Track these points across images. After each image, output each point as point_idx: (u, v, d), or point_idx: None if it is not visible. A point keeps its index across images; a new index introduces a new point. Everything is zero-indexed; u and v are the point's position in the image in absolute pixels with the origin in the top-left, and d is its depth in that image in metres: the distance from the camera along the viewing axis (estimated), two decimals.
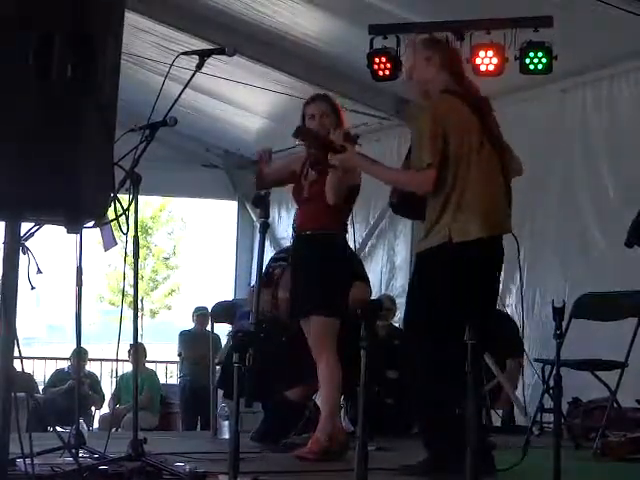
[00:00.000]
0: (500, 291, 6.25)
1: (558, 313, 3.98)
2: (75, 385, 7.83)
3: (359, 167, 5.41)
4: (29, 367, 13.05)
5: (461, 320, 4.00)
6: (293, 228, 6.22)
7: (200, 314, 11.72)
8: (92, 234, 4.46)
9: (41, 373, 13.62)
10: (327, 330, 5.78)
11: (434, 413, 4.94)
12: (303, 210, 6.05)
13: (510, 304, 9.00)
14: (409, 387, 5.25)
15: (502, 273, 5.24)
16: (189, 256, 29.11)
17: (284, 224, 11.51)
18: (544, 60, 7.63)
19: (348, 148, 5.24)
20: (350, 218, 6.00)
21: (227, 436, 7.80)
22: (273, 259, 7.55)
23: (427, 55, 5.13)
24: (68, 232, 3.14)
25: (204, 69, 4.83)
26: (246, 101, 11.09)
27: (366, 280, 7.35)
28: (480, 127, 4.99)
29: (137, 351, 6.83)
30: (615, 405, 6.75)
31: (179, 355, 12.29)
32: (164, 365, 15.11)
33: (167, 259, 25.79)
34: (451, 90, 5.04)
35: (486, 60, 7.69)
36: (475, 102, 5.06)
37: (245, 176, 12.96)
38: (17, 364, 3.22)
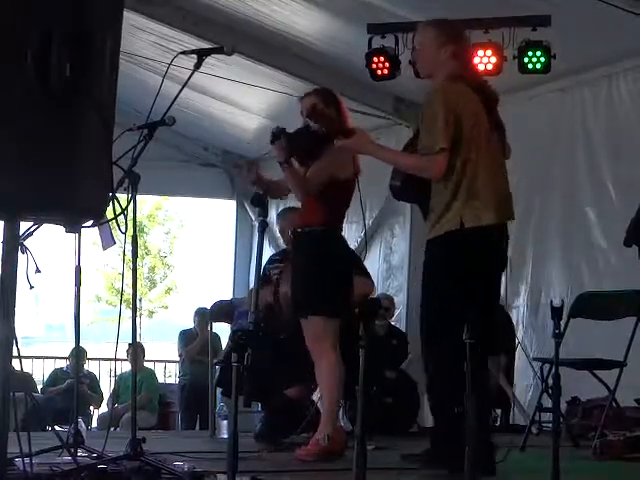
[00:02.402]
0: (502, 291, 6.25)
1: (556, 313, 3.98)
2: (74, 384, 7.81)
3: (367, 151, 5.35)
4: (28, 366, 13.04)
5: (475, 304, 4.00)
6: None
7: (201, 314, 11.70)
8: (90, 234, 4.46)
9: (40, 372, 13.62)
10: (325, 330, 5.73)
11: (443, 410, 4.93)
12: (299, 209, 6.04)
13: (517, 306, 9.00)
14: (430, 381, 5.21)
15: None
16: (187, 255, 29.12)
17: None
18: (542, 59, 7.63)
19: (356, 132, 5.20)
20: (353, 214, 5.98)
21: (226, 435, 7.81)
22: (270, 260, 7.56)
23: (440, 42, 5.11)
24: (67, 231, 3.14)
25: (203, 68, 4.83)
26: (245, 100, 11.08)
27: (366, 274, 7.35)
28: (487, 113, 5.00)
29: (135, 350, 6.83)
30: (614, 404, 6.76)
31: (180, 356, 12.27)
32: (163, 364, 15.10)
33: (164, 257, 25.80)
34: (458, 76, 5.02)
35: (484, 59, 7.69)
36: (481, 89, 5.06)
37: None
38: (16, 363, 3.22)
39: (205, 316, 10.89)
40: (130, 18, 8.62)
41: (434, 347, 4.95)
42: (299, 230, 5.93)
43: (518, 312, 8.99)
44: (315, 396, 6.90)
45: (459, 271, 4.85)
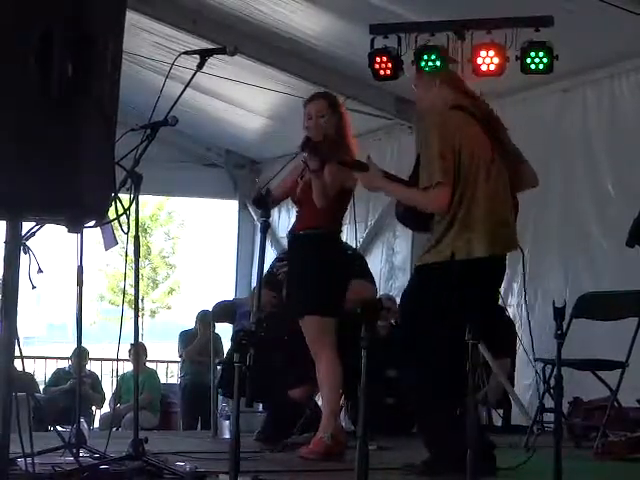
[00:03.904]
0: (502, 290, 6.27)
1: (559, 313, 3.97)
2: (76, 385, 7.82)
3: (381, 188, 5.28)
4: (30, 366, 13.03)
5: (458, 335, 4.01)
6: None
7: (202, 316, 11.69)
8: (92, 234, 4.46)
9: (42, 372, 13.62)
10: (322, 329, 5.76)
11: (433, 414, 4.94)
12: (298, 211, 6.05)
13: (512, 304, 8.99)
14: (408, 389, 5.23)
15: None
16: (190, 256, 29.14)
17: (285, 224, 11.51)
18: (545, 60, 7.63)
19: (370, 167, 5.16)
20: (351, 218, 5.98)
21: (227, 435, 7.81)
22: (277, 259, 7.57)
23: (427, 80, 5.22)
24: (69, 232, 3.13)
25: (205, 68, 4.84)
26: (247, 100, 11.09)
27: (369, 278, 7.35)
28: (491, 143, 4.99)
29: (137, 351, 6.84)
30: (616, 405, 6.75)
31: (180, 356, 12.28)
32: (165, 365, 15.10)
33: (166, 258, 25.79)
34: (460, 106, 5.03)
35: (487, 60, 7.69)
36: (485, 118, 5.05)
37: (246, 175, 12.98)
38: (18, 363, 3.22)
39: (206, 317, 10.90)
40: (132, 18, 8.62)
41: (412, 366, 4.99)
42: (297, 233, 5.95)
43: (513, 311, 8.97)
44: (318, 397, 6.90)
45: (445, 302, 4.84)
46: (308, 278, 5.79)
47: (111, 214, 3.35)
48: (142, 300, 22.41)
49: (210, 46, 7.71)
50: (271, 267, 7.38)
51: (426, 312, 4.91)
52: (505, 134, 5.14)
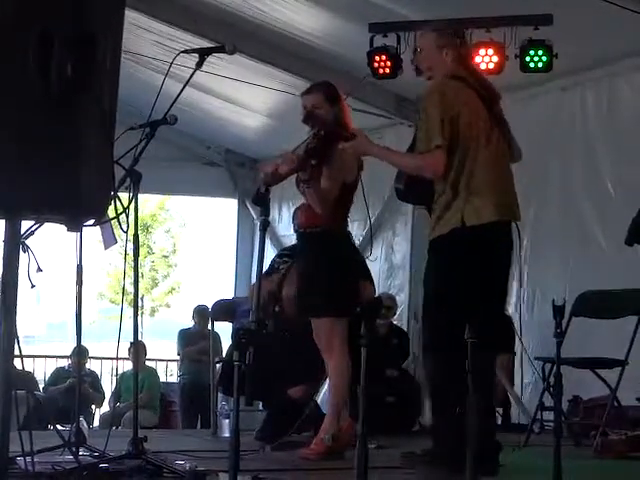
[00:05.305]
0: None
1: (558, 311, 3.98)
2: (75, 383, 7.81)
3: (370, 153, 5.33)
4: (29, 365, 13.03)
5: (478, 304, 3.99)
6: (294, 225, 6.19)
7: (200, 312, 11.69)
8: (92, 232, 4.46)
9: (41, 371, 13.61)
10: (333, 331, 5.72)
11: (446, 407, 4.94)
12: (303, 207, 6.02)
13: (510, 302, 8.99)
14: (428, 379, 5.23)
15: None
16: (189, 254, 29.16)
17: (285, 222, 11.51)
18: (544, 58, 7.64)
19: (358, 134, 5.20)
20: (353, 215, 5.96)
21: (227, 434, 7.81)
22: (279, 255, 7.56)
23: (441, 44, 5.11)
24: (68, 230, 3.14)
25: (204, 67, 4.83)
26: (246, 99, 11.09)
27: (370, 279, 7.34)
28: (488, 111, 5.00)
29: (137, 349, 6.84)
30: (615, 403, 6.75)
31: (179, 354, 12.28)
32: (164, 363, 15.09)
33: (166, 257, 25.80)
34: (458, 76, 5.03)
35: (486, 58, 7.70)
36: (481, 87, 5.06)
37: (246, 174, 12.98)
38: (17, 362, 3.22)
39: (203, 311, 10.91)
40: (131, 17, 8.62)
41: (437, 348, 4.96)
42: (303, 231, 5.92)
43: (512, 309, 8.96)
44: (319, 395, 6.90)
45: (462, 270, 4.84)
46: (319, 278, 5.73)
47: (110, 213, 3.35)
48: (142, 299, 22.42)
49: (209, 45, 7.70)
50: (272, 262, 7.38)
51: (446, 284, 4.90)
52: (500, 108, 5.15)
